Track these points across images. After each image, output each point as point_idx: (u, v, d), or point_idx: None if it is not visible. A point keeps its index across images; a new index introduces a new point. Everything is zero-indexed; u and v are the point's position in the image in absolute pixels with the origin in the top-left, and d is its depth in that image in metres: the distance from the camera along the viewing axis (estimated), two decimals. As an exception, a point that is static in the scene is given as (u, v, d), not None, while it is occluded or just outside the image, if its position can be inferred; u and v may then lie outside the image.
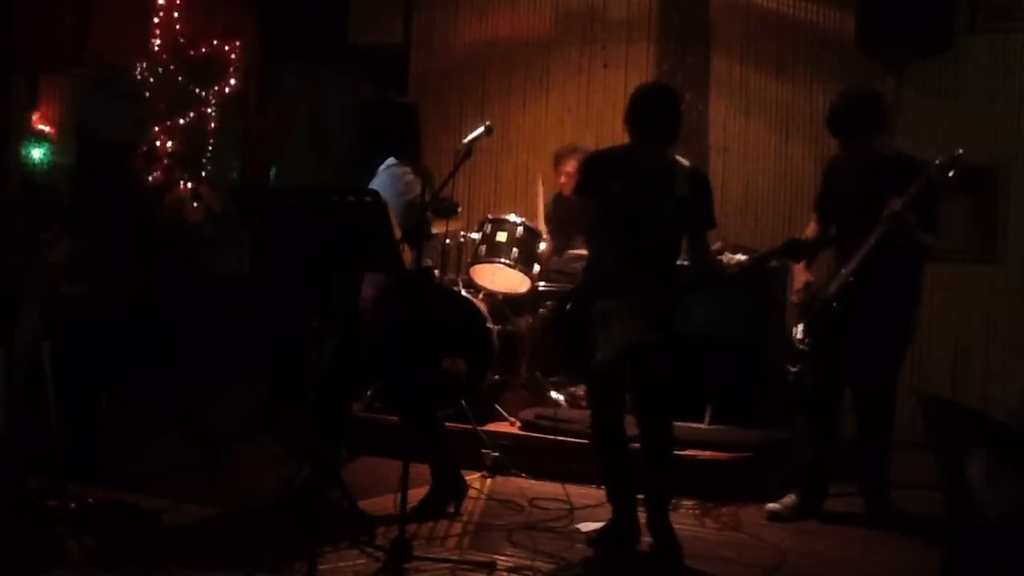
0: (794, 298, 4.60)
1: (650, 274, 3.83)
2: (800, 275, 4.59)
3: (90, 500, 4.16)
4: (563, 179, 6.10)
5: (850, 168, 4.50)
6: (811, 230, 4.65)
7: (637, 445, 4.01)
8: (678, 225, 3.92)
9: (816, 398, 4.56)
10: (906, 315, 4.48)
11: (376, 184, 4.33)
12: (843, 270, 4.41)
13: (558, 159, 6.18)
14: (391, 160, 4.43)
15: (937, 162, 4.22)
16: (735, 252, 5.48)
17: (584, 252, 4.17)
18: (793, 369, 4.55)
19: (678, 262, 4.08)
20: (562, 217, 6.13)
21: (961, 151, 4.21)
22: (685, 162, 3.98)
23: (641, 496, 4.02)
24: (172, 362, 5.12)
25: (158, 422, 5.13)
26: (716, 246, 4.01)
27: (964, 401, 5.50)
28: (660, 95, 3.97)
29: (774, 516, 4.50)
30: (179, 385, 5.13)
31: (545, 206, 6.26)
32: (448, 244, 6.04)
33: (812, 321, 4.49)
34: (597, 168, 4.09)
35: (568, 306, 4.13)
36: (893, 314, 4.42)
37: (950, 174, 4.20)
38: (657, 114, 3.88)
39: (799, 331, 4.54)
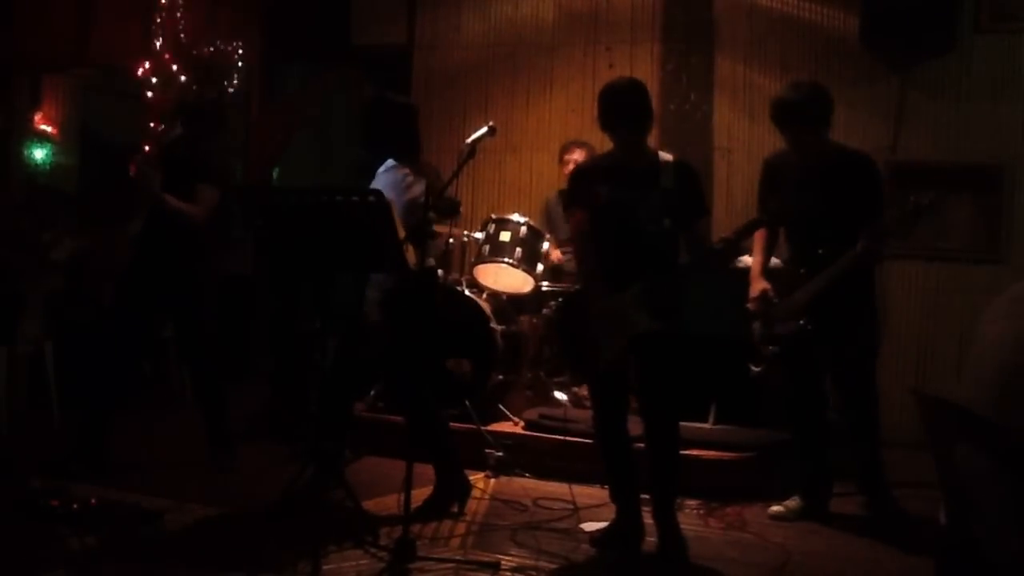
0: (750, 306, 4.52)
1: (649, 271, 3.83)
2: (756, 282, 4.51)
3: (93, 500, 4.15)
4: (570, 166, 6.09)
5: (797, 164, 4.41)
6: (760, 235, 4.51)
7: (642, 445, 4.00)
8: (670, 218, 3.92)
9: (795, 407, 4.54)
10: (867, 317, 4.42)
11: (377, 185, 4.31)
12: (803, 290, 4.32)
13: (564, 150, 6.21)
14: (390, 162, 4.42)
15: (912, 199, 4.13)
16: (740, 253, 5.46)
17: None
18: (756, 369, 4.52)
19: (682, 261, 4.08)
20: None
21: (932, 199, 4.12)
22: (668, 156, 3.99)
23: (645, 496, 4.01)
24: (215, 354, 5.13)
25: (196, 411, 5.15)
26: (722, 247, 3.99)
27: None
28: (626, 84, 4.00)
29: (777, 518, 4.49)
30: (221, 379, 5.14)
31: (548, 200, 6.28)
32: (451, 244, 6.04)
33: (770, 330, 4.45)
34: (584, 179, 4.11)
35: (569, 307, 4.13)
36: (854, 320, 4.34)
37: (918, 221, 4.15)
38: (626, 101, 3.91)
39: (757, 327, 4.50)
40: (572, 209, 4.12)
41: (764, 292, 4.47)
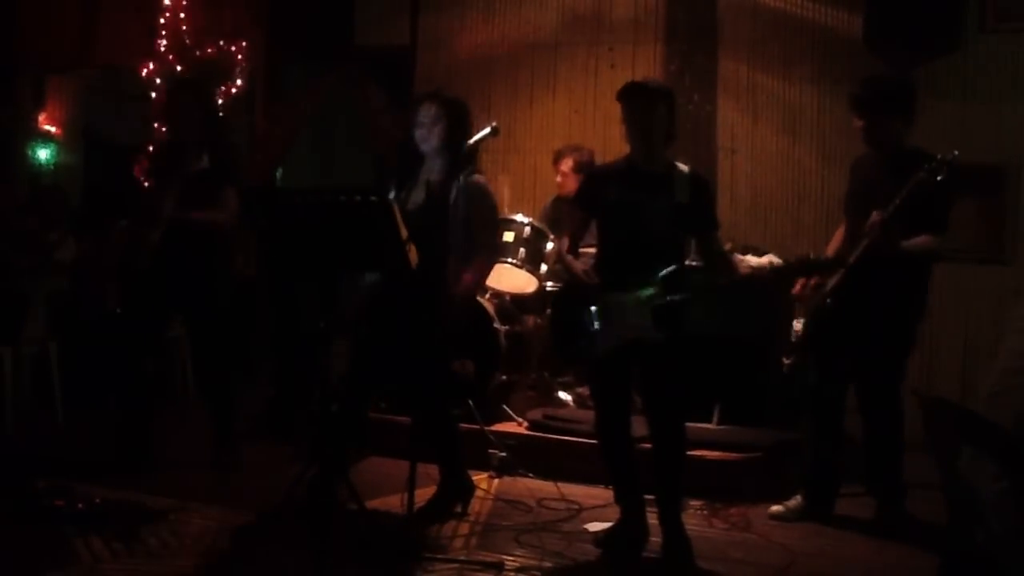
0: (795, 291, 4.52)
1: (655, 276, 3.82)
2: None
3: (97, 500, 4.16)
4: (559, 178, 6.09)
5: (870, 160, 4.44)
6: (841, 231, 4.57)
7: (647, 445, 3.99)
8: (679, 229, 3.92)
9: (817, 398, 4.52)
10: (904, 321, 4.36)
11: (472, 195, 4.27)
12: (838, 273, 4.33)
13: (556, 157, 6.18)
14: (471, 167, 4.34)
15: (926, 167, 4.06)
16: (744, 253, 5.46)
17: (593, 250, 4.15)
18: (787, 361, 4.51)
19: (687, 262, 4.07)
20: (559, 218, 6.12)
21: (955, 153, 4.06)
22: (684, 167, 3.97)
23: (650, 496, 4.01)
24: (227, 353, 5.14)
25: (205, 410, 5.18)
26: (726, 247, 3.99)
27: (973, 403, 5.47)
28: (640, 88, 3.97)
29: (777, 518, 4.48)
30: (232, 378, 5.15)
31: (544, 207, 6.27)
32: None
33: (809, 317, 4.46)
34: (597, 181, 4.10)
35: (561, 303, 4.15)
36: (888, 319, 4.30)
37: (939, 178, 4.04)
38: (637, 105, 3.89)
39: (799, 324, 4.50)
40: (575, 210, 4.12)
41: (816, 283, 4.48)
